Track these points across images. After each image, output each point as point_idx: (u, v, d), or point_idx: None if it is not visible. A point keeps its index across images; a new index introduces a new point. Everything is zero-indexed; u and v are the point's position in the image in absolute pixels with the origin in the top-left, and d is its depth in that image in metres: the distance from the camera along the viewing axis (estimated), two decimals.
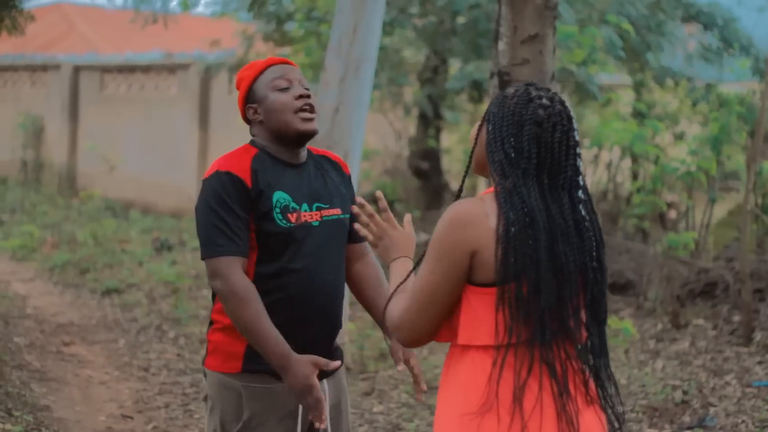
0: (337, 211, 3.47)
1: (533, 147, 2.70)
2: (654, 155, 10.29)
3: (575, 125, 2.79)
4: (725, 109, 9.49)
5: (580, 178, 2.77)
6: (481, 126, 2.84)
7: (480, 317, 2.69)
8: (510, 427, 2.62)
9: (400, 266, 2.95)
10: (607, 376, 2.76)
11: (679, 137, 11.36)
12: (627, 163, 11.77)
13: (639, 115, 11.23)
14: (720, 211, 10.79)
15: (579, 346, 2.72)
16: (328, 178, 3.52)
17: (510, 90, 2.81)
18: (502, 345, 2.65)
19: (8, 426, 5.80)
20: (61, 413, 6.57)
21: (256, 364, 3.32)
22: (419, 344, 2.81)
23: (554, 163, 2.71)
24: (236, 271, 3.24)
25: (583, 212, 2.75)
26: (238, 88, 3.51)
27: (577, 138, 2.78)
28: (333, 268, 3.42)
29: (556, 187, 2.72)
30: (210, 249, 3.27)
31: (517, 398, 2.62)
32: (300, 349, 3.31)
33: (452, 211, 2.72)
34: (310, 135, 3.42)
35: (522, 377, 2.63)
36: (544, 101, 2.75)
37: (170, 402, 6.93)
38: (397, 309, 2.80)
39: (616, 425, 2.77)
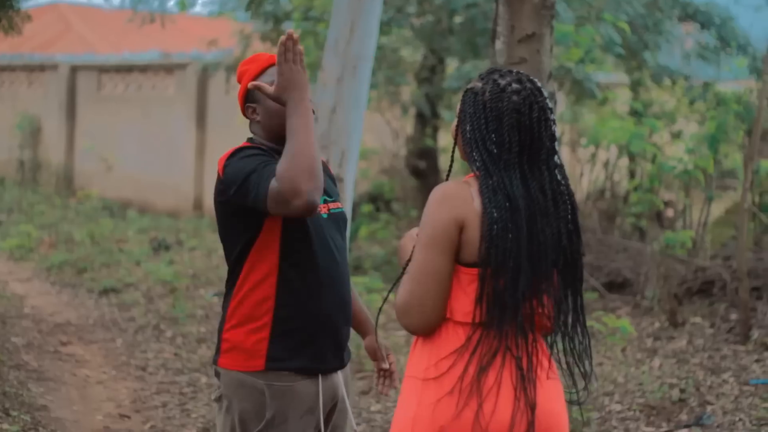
0: (339, 204, 3.52)
1: (514, 136, 2.76)
2: (651, 154, 10.30)
3: (546, 93, 2.85)
4: (722, 108, 9.49)
5: (556, 144, 2.84)
6: (458, 125, 2.88)
7: (456, 293, 2.76)
8: (464, 409, 2.69)
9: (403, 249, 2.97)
10: (580, 336, 2.84)
11: (677, 136, 11.37)
12: (624, 161, 11.79)
13: (636, 114, 11.25)
14: (717, 209, 10.80)
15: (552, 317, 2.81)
16: (326, 176, 3.54)
17: (477, 85, 2.85)
18: (480, 324, 2.73)
19: (5, 426, 5.81)
20: (59, 413, 6.57)
21: (279, 362, 3.34)
22: (430, 329, 2.80)
23: (534, 141, 2.78)
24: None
25: (559, 177, 2.82)
26: (239, 81, 3.52)
27: (550, 105, 2.83)
28: (341, 257, 3.47)
29: (537, 161, 2.79)
30: (261, 186, 3.16)
31: (478, 379, 2.70)
32: (320, 335, 3.37)
33: (438, 190, 2.80)
34: None
35: (486, 359, 2.71)
36: (515, 86, 2.80)
37: (168, 401, 6.93)
38: (401, 299, 2.82)
39: (582, 389, 2.86)
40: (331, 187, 3.56)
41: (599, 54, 10.73)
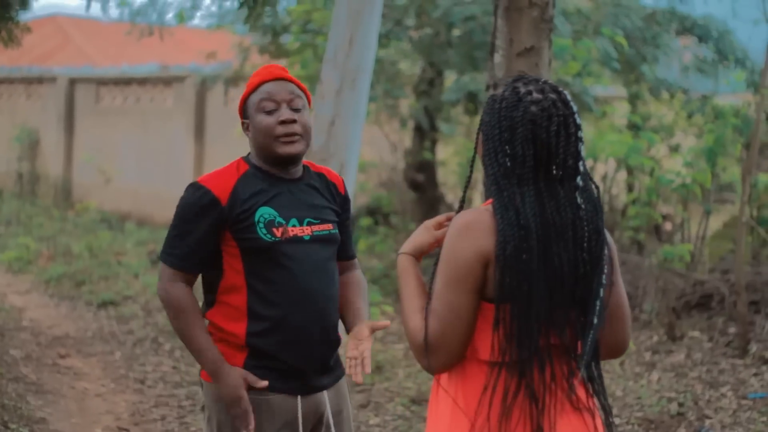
0: (329, 226, 3.47)
1: (528, 149, 2.58)
2: (649, 167, 10.30)
3: (575, 108, 2.65)
4: (720, 121, 9.50)
5: (581, 163, 2.64)
6: (478, 134, 2.74)
7: (480, 331, 2.62)
8: None
9: (405, 275, 2.80)
10: (597, 377, 2.70)
11: (675, 149, 11.38)
12: (622, 175, 11.79)
13: (634, 127, 11.26)
14: (715, 223, 10.80)
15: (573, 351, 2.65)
16: (321, 196, 3.51)
17: (499, 92, 2.68)
18: (497, 363, 2.59)
19: None
20: (58, 426, 6.56)
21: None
22: (452, 367, 2.67)
23: (551, 157, 2.59)
24: (174, 283, 3.37)
25: (579, 200, 2.61)
26: None
27: (579, 121, 2.64)
28: (323, 279, 3.43)
29: (554, 180, 2.60)
30: (163, 254, 3.44)
31: (501, 424, 2.57)
32: (298, 360, 3.36)
33: (459, 220, 2.62)
34: (291, 158, 3.41)
35: (509, 399, 2.57)
36: (535, 96, 2.61)
37: (166, 414, 6.92)
38: (431, 338, 2.63)
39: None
40: (323, 209, 3.49)
41: (597, 67, 10.75)
